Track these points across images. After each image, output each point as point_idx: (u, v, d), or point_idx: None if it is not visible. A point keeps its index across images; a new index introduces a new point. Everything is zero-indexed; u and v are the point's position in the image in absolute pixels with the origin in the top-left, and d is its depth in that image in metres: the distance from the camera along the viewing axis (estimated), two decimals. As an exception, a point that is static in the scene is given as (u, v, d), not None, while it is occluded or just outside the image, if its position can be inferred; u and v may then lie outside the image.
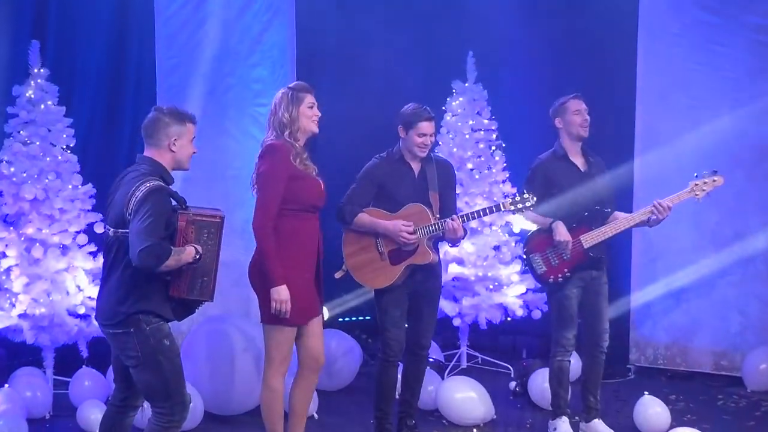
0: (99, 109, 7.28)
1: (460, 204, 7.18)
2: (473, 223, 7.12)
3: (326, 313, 5.19)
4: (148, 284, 4.35)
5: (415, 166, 5.56)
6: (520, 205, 5.48)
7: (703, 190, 5.63)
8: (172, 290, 4.42)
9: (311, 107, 4.98)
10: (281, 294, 4.83)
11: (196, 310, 4.60)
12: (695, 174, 5.66)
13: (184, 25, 7.45)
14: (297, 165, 4.86)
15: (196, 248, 4.35)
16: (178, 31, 7.43)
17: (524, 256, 5.86)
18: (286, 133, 4.92)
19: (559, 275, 5.73)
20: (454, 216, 5.45)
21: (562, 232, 5.66)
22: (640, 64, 7.42)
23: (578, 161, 5.85)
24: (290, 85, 5.03)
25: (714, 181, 5.63)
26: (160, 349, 4.39)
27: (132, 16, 7.36)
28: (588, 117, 5.81)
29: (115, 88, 7.31)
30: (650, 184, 7.10)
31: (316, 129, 4.99)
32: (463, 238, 5.50)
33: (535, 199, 5.48)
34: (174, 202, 4.42)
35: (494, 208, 5.49)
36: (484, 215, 5.52)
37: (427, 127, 5.49)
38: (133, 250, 4.20)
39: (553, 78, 7.56)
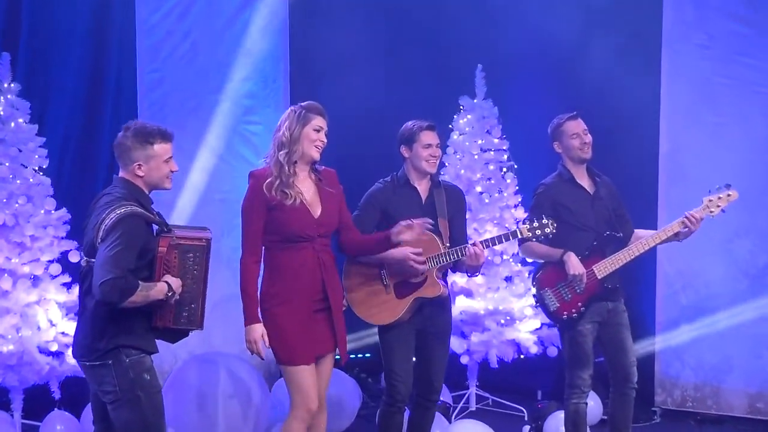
0: (75, 128, 7.28)
1: (468, 231, 7.04)
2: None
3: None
4: (127, 315, 4.34)
5: (423, 191, 5.56)
6: (538, 231, 5.46)
7: (718, 206, 5.62)
8: (156, 320, 4.43)
9: (318, 131, 4.96)
10: (251, 333, 4.85)
11: (190, 333, 4.61)
12: (708, 190, 5.67)
13: (167, 36, 7.51)
14: (273, 194, 4.86)
15: (169, 284, 4.35)
16: (162, 42, 7.49)
17: (534, 293, 5.87)
18: (282, 153, 4.91)
19: (573, 310, 5.72)
20: (476, 242, 5.40)
21: (575, 265, 5.66)
22: (664, 78, 7.45)
23: (585, 183, 5.86)
24: (302, 103, 5.02)
25: (729, 195, 5.62)
26: (139, 384, 4.38)
27: (111, 26, 7.39)
28: (588, 138, 5.81)
29: (92, 105, 7.31)
30: (676, 205, 7.08)
31: (316, 155, 4.96)
32: (482, 266, 5.50)
33: (555, 225, 5.47)
34: (154, 227, 4.44)
35: (510, 235, 5.49)
36: (499, 242, 5.51)
37: (430, 136, 5.50)
38: (95, 281, 4.20)
39: (569, 93, 7.59)
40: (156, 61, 7.46)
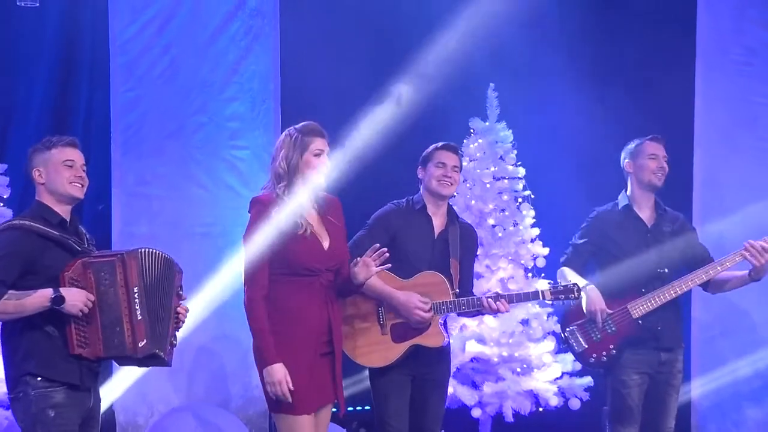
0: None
1: (479, 268, 7.16)
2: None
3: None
4: (35, 341, 4.41)
5: (437, 224, 5.58)
6: (562, 296, 5.49)
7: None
8: (74, 348, 4.47)
9: (318, 155, 4.95)
10: (274, 374, 4.81)
11: (164, 358, 4.64)
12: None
13: (144, 52, 7.50)
14: (282, 223, 4.88)
15: (61, 296, 4.39)
16: (138, 58, 7.49)
17: (560, 331, 5.89)
18: (281, 185, 4.91)
19: (604, 353, 5.75)
20: (498, 293, 5.43)
21: (592, 298, 5.69)
22: (698, 97, 7.47)
23: (646, 215, 5.90)
24: (297, 126, 5.02)
25: None
26: (41, 421, 4.38)
27: (82, 40, 7.40)
28: (666, 165, 5.88)
29: (60, 128, 7.18)
30: (713, 238, 7.04)
31: (322, 181, 4.97)
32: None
33: (579, 292, 5.50)
34: (69, 246, 4.54)
35: (531, 295, 5.56)
36: (518, 301, 5.54)
37: (445, 155, 5.54)
38: None
39: (593, 115, 7.58)
40: (131, 80, 7.45)
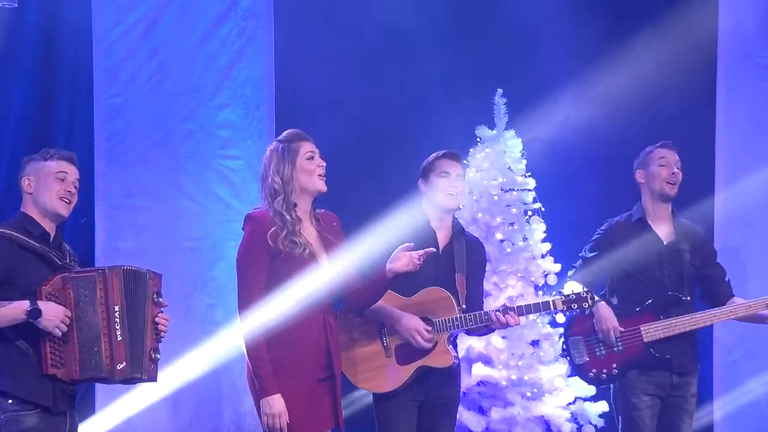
0: (19, 167, 7.16)
1: (487, 286, 7.04)
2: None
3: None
4: (7, 357, 4.44)
5: (442, 237, 5.56)
6: (575, 305, 5.44)
7: None
8: (48, 367, 4.46)
9: (311, 158, 4.95)
10: (272, 406, 4.80)
11: (145, 380, 4.66)
12: None
13: (130, 55, 7.49)
14: (279, 243, 4.85)
15: (38, 308, 4.40)
16: (123, 62, 7.47)
17: (564, 339, 5.92)
18: (279, 200, 4.89)
19: (605, 370, 5.79)
20: (506, 306, 5.40)
21: (604, 316, 5.71)
22: (720, 103, 7.48)
23: (662, 229, 5.90)
24: (279, 138, 5.03)
25: None
26: None
27: (63, 43, 7.33)
28: (678, 171, 5.86)
29: (39, 136, 7.21)
30: (736, 254, 7.06)
31: (322, 186, 4.97)
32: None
33: (595, 299, 5.48)
34: (49, 259, 4.58)
35: (541, 306, 5.50)
36: (528, 312, 5.49)
37: (448, 164, 5.52)
38: None
39: (608, 122, 7.58)
40: (116, 85, 7.44)
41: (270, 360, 4.83)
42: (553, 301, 5.48)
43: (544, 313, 5.58)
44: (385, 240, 5.39)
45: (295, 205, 4.90)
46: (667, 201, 5.89)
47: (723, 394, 7.50)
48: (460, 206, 7.21)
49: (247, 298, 4.85)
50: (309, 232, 4.97)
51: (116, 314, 4.54)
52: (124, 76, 7.48)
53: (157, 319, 4.71)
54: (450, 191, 5.49)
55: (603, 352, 5.77)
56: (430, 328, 5.32)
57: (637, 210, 5.95)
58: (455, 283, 5.45)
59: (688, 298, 5.83)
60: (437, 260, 5.47)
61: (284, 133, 5.03)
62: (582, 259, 6.01)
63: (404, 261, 4.99)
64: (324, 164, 4.97)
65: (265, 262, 4.84)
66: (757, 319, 5.79)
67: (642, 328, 5.72)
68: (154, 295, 4.71)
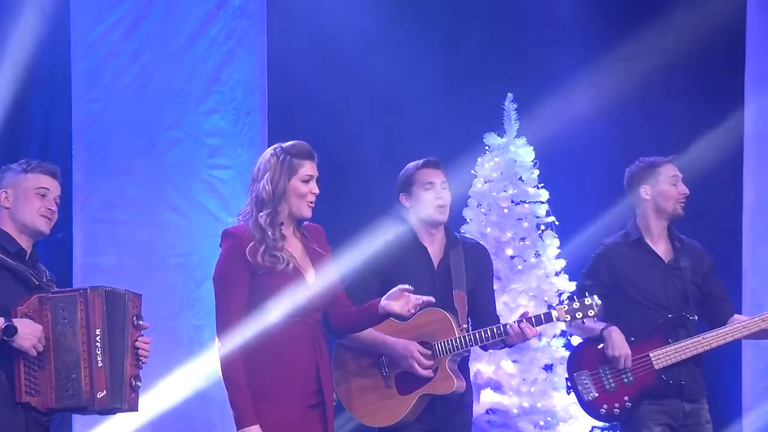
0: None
1: (497, 306, 6.91)
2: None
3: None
4: None
5: (435, 253, 5.52)
6: (579, 314, 5.39)
7: None
8: (21, 394, 4.43)
9: (307, 181, 4.88)
10: None
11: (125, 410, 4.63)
12: None
13: (110, 57, 7.52)
14: (258, 259, 4.80)
15: (13, 324, 4.37)
16: (103, 64, 7.51)
17: (568, 374, 5.88)
18: (264, 214, 4.83)
19: (617, 405, 5.71)
20: (522, 317, 5.35)
21: (617, 343, 5.66)
22: (748, 115, 7.50)
23: (660, 247, 5.86)
24: (284, 145, 4.92)
25: None
26: None
27: (39, 43, 7.27)
28: (686, 190, 5.84)
29: (12, 143, 7.22)
30: (766, 271, 7.02)
31: (308, 213, 4.92)
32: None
33: (599, 303, 5.41)
34: (25, 278, 4.55)
35: (543, 317, 5.43)
36: (539, 323, 5.43)
37: (432, 174, 5.46)
38: None
39: (628, 129, 7.62)
40: (96, 89, 7.46)
41: (252, 384, 4.79)
42: (554, 312, 5.42)
43: (545, 322, 5.41)
44: (374, 256, 5.40)
45: (281, 223, 4.86)
46: (672, 220, 5.87)
47: (753, 404, 7.56)
48: (469, 219, 7.30)
49: (225, 319, 4.80)
50: (293, 245, 4.93)
51: (97, 338, 4.50)
52: (105, 80, 7.50)
53: (137, 343, 4.66)
54: (438, 203, 5.44)
55: (613, 384, 5.72)
56: (429, 353, 5.30)
57: (634, 229, 5.88)
58: (453, 302, 5.41)
59: (695, 317, 5.80)
60: (433, 279, 5.46)
61: (290, 143, 4.92)
62: (579, 288, 5.97)
63: (401, 303, 4.90)
64: (317, 192, 4.91)
65: (244, 280, 4.80)
66: None
67: (651, 355, 5.68)
68: (134, 318, 4.65)
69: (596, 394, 5.73)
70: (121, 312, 4.60)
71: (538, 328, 6.91)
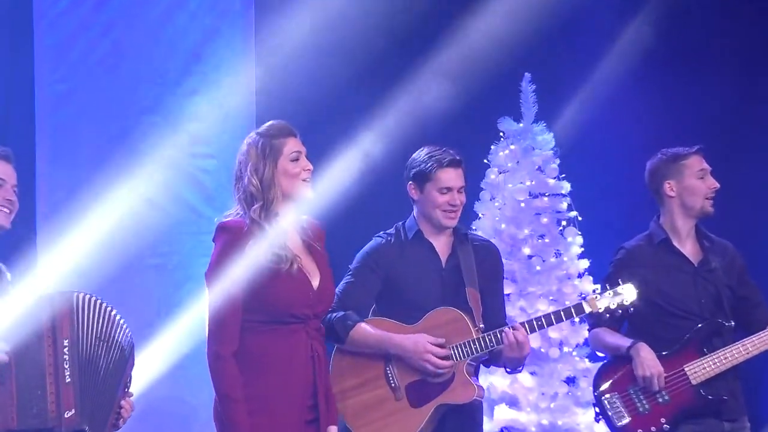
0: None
1: (513, 311, 7.17)
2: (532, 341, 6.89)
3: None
4: None
5: (443, 249, 5.55)
6: (612, 303, 5.43)
7: None
8: None
9: (296, 159, 4.91)
10: None
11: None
12: None
13: (79, 32, 7.48)
14: (260, 257, 4.83)
15: None
16: (71, 40, 7.48)
17: (595, 399, 5.88)
18: (256, 207, 4.86)
19: (652, 429, 5.69)
20: (516, 324, 5.36)
21: (646, 361, 5.64)
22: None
23: (688, 249, 5.84)
24: (259, 130, 4.98)
25: None
26: None
27: (-2, 17, 7.38)
28: (716, 185, 5.83)
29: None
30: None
31: (308, 192, 4.94)
32: (526, 358, 5.48)
33: (636, 292, 5.44)
34: None
35: (572, 311, 5.45)
36: (557, 321, 5.46)
37: (452, 177, 5.46)
38: None
39: (659, 113, 7.64)
40: (62, 68, 7.44)
41: (246, 397, 4.80)
42: (585, 302, 5.45)
43: (576, 315, 5.48)
44: (374, 253, 5.49)
45: (276, 214, 4.87)
46: (701, 218, 5.86)
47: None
48: (481, 214, 7.26)
49: (219, 326, 4.82)
50: (295, 244, 4.96)
51: (65, 350, 4.48)
52: (72, 58, 7.47)
53: (123, 402, 4.70)
54: (450, 209, 5.47)
55: (647, 406, 5.68)
56: (443, 341, 5.31)
57: (658, 230, 5.87)
58: (467, 300, 5.42)
59: (732, 323, 5.77)
60: (442, 278, 5.51)
61: (265, 126, 5.00)
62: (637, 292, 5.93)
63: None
64: (311, 167, 4.95)
65: (242, 278, 4.80)
66: None
67: (687, 369, 5.65)
68: (128, 379, 4.71)
69: (629, 418, 5.69)
70: (112, 339, 4.60)
71: (565, 330, 6.97)
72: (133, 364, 4.71)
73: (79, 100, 7.45)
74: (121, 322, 4.64)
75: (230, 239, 4.84)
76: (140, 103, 7.56)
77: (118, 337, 4.63)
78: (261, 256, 4.82)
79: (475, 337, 5.33)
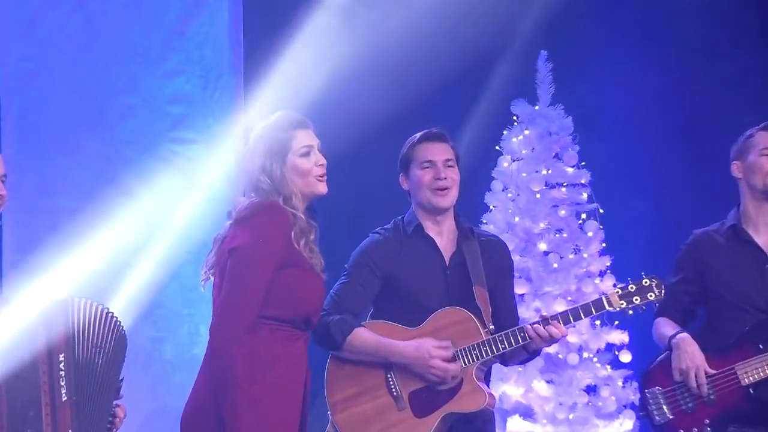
0: None
1: (527, 313, 7.20)
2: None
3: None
4: None
5: (445, 245, 5.55)
6: (637, 299, 5.41)
7: None
8: None
9: (306, 154, 4.82)
10: None
11: None
12: None
13: (48, 4, 7.51)
14: (301, 249, 4.77)
15: None
16: (39, 14, 7.50)
17: (640, 393, 5.88)
18: (280, 198, 4.79)
19: (694, 430, 5.66)
20: (547, 315, 5.36)
21: (685, 353, 5.63)
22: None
23: (763, 237, 5.77)
24: (268, 122, 4.93)
25: None
26: None
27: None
28: None
29: None
30: None
31: (322, 189, 4.87)
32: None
33: (661, 285, 5.44)
34: None
35: (592, 307, 5.42)
36: (576, 319, 5.43)
37: (429, 149, 5.47)
38: None
39: (692, 92, 7.57)
40: (29, 45, 7.44)
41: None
42: (607, 297, 5.41)
43: (597, 312, 5.43)
44: (373, 251, 5.47)
45: (297, 209, 4.81)
46: None
47: None
48: (493, 206, 7.19)
49: (242, 307, 4.70)
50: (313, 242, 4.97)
51: (61, 366, 4.48)
52: (41, 34, 7.49)
53: (116, 409, 4.68)
54: (437, 185, 5.43)
55: (691, 405, 5.63)
56: (448, 344, 5.28)
57: (733, 215, 5.84)
58: (475, 299, 5.40)
59: None
60: (446, 276, 5.50)
61: (274, 117, 4.91)
62: (666, 287, 5.84)
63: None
64: (324, 161, 4.85)
65: (272, 270, 4.72)
66: None
67: (738, 368, 5.59)
68: (120, 380, 4.68)
69: (671, 417, 5.66)
70: (113, 344, 4.60)
71: (585, 334, 6.91)
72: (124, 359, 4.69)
73: (47, 81, 7.46)
74: (115, 320, 4.62)
75: (281, 220, 4.75)
76: (116, 83, 7.58)
77: (113, 340, 4.61)
78: (300, 248, 4.76)
79: (484, 338, 5.31)
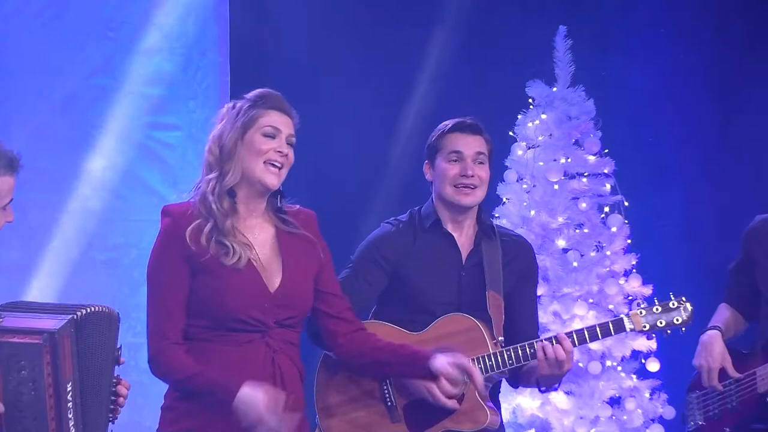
0: None
1: (545, 317, 7.21)
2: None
3: None
4: None
5: (464, 242, 5.50)
6: (662, 322, 5.34)
7: None
8: None
9: (269, 135, 4.78)
10: (247, 404, 4.62)
11: None
12: None
13: None
14: (202, 244, 4.73)
15: None
16: None
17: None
18: (211, 178, 4.79)
19: None
20: (560, 335, 5.27)
21: (704, 351, 5.60)
22: None
23: None
24: (248, 95, 4.88)
25: None
26: None
27: None
28: None
29: None
30: None
31: (270, 179, 4.78)
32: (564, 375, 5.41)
33: (690, 309, 5.30)
34: None
35: (612, 326, 5.34)
36: (592, 339, 5.35)
37: (461, 140, 5.41)
38: None
39: (723, 71, 7.52)
40: None
41: (171, 416, 4.77)
42: (629, 317, 5.34)
43: (615, 333, 5.38)
44: (379, 243, 5.46)
45: (233, 193, 4.76)
46: None
47: None
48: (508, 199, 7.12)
49: (159, 321, 4.76)
50: (261, 235, 4.87)
51: (69, 394, 4.43)
52: (4, 7, 7.56)
53: (117, 387, 4.65)
54: (463, 182, 5.37)
55: (717, 410, 5.66)
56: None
57: None
58: (487, 307, 5.36)
59: None
60: (460, 277, 5.47)
61: (259, 91, 4.87)
62: (729, 272, 5.95)
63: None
64: (286, 152, 4.79)
65: (184, 273, 4.73)
66: None
67: (758, 372, 5.57)
68: (118, 351, 4.62)
69: (702, 423, 5.68)
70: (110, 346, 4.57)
71: (608, 341, 6.85)
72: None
73: (14, 62, 7.51)
74: (111, 314, 4.59)
75: (171, 225, 4.79)
76: (88, 63, 7.61)
77: (110, 336, 4.56)
78: (204, 240, 4.70)
79: (491, 351, 5.28)
